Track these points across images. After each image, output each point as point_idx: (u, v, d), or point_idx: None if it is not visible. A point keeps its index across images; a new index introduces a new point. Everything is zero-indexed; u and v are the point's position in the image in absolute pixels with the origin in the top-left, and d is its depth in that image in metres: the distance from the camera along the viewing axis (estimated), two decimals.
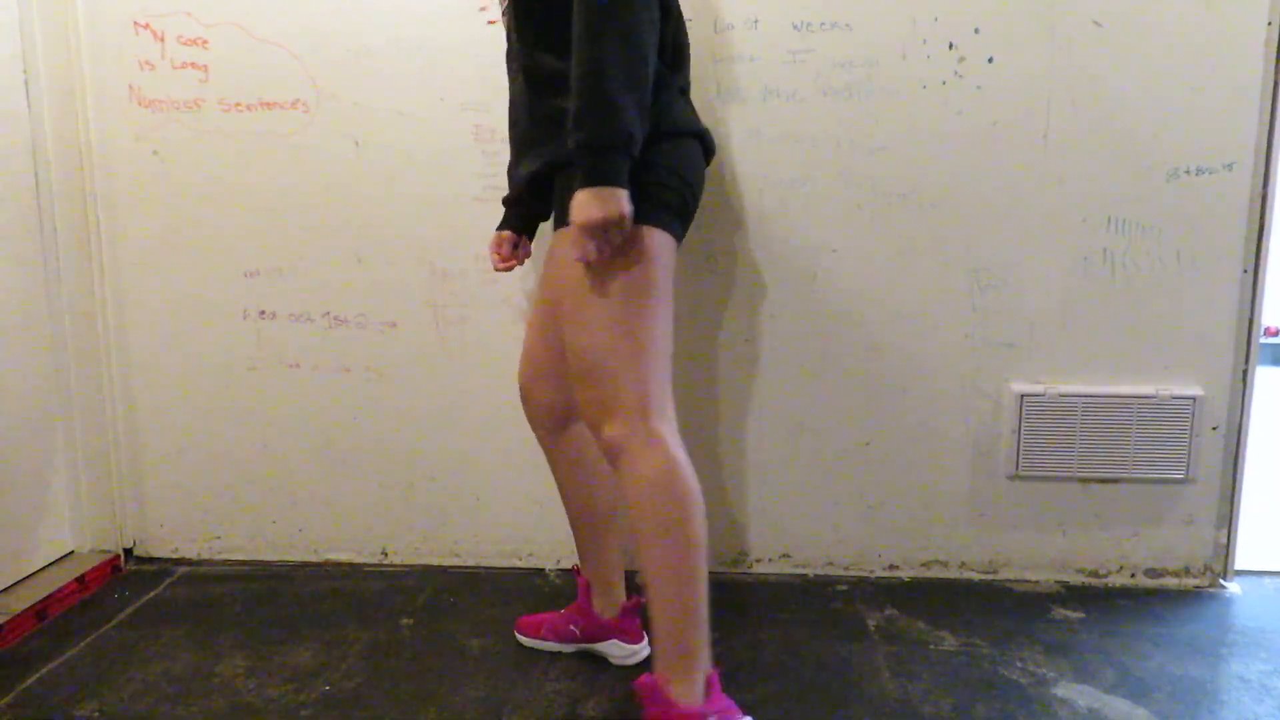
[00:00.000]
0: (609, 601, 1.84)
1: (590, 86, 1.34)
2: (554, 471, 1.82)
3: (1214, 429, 2.15)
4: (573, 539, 1.94)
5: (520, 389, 1.80)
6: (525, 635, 1.92)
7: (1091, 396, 2.13)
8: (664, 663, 1.42)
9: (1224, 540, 2.19)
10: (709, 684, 1.41)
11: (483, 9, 2.08)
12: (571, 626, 1.87)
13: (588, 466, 1.79)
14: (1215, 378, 2.13)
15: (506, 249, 1.80)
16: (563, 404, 1.76)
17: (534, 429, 1.81)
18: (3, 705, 1.73)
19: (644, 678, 1.42)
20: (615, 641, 1.84)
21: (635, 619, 1.84)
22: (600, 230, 1.37)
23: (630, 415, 1.43)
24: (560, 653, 1.90)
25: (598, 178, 1.36)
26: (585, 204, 1.36)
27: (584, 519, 1.81)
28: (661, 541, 1.40)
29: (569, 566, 2.31)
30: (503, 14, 1.63)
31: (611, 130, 1.34)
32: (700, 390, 2.22)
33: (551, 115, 1.51)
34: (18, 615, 2.01)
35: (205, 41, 2.16)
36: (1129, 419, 2.13)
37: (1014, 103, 2.06)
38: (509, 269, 1.81)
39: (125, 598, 2.19)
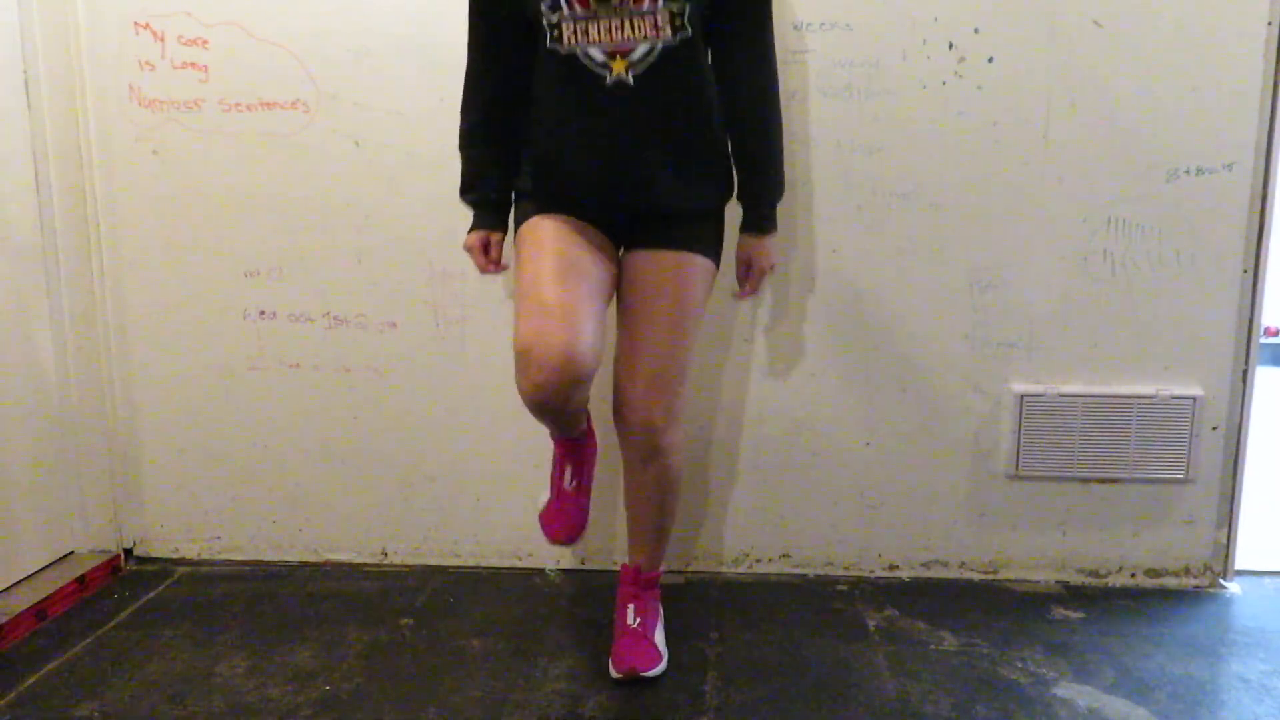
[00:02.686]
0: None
1: (780, 144, 1.76)
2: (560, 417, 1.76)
3: (1214, 429, 2.15)
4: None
5: (559, 359, 1.60)
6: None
7: (1091, 396, 2.13)
8: (654, 557, 1.90)
9: (1224, 540, 2.19)
10: None
11: None
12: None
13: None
14: (1215, 378, 2.13)
15: (498, 251, 1.80)
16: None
17: (556, 402, 1.66)
18: (3, 705, 1.73)
19: (648, 572, 1.89)
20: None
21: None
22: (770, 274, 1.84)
23: (679, 427, 1.79)
24: (560, 652, 1.90)
25: (775, 224, 1.81)
26: (775, 250, 1.82)
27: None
28: (674, 503, 1.85)
29: (567, 567, 2.31)
30: (659, 32, 1.62)
31: (784, 186, 1.81)
32: (700, 390, 2.22)
33: (717, 150, 1.75)
34: (18, 615, 2.01)
35: (205, 41, 2.16)
36: (1129, 419, 2.13)
37: (1014, 103, 2.06)
38: (501, 271, 1.81)
39: (125, 598, 2.19)
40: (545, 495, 1.94)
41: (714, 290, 2.15)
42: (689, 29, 1.60)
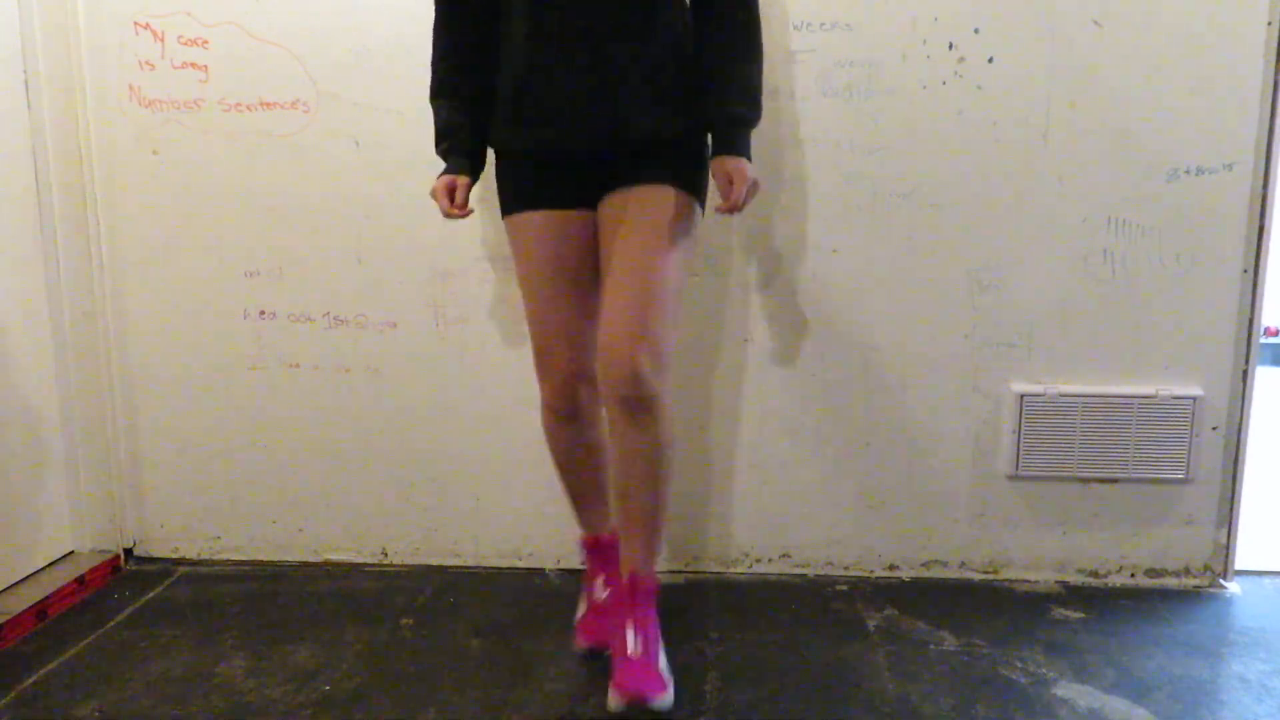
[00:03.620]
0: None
1: (758, 67, 1.68)
2: (585, 449, 1.85)
3: (1214, 429, 2.15)
4: (577, 528, 1.97)
5: (577, 378, 1.77)
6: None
7: (1091, 396, 2.13)
8: (647, 556, 1.75)
9: (1224, 540, 2.19)
10: None
11: None
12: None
13: (601, 424, 1.83)
14: (1215, 378, 2.13)
15: (464, 195, 1.74)
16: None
17: (577, 418, 1.81)
18: (3, 705, 1.73)
19: (644, 580, 1.74)
20: None
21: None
22: (753, 193, 1.66)
23: (668, 378, 1.66)
24: (561, 652, 1.90)
25: (748, 151, 1.68)
26: (748, 169, 1.65)
27: (605, 474, 1.85)
28: (667, 482, 1.71)
29: (567, 567, 2.31)
30: None
31: (760, 113, 1.70)
32: (700, 390, 2.22)
33: (687, 78, 1.69)
34: (18, 615, 2.01)
35: (205, 41, 2.16)
36: (1129, 419, 2.13)
37: (1014, 103, 2.06)
38: (465, 216, 1.75)
39: (125, 598, 2.19)
40: (579, 609, 1.95)
41: (713, 290, 2.16)
42: None
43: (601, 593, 1.89)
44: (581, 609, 1.95)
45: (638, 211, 1.68)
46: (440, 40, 1.77)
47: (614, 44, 1.62)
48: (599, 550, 1.92)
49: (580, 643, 1.88)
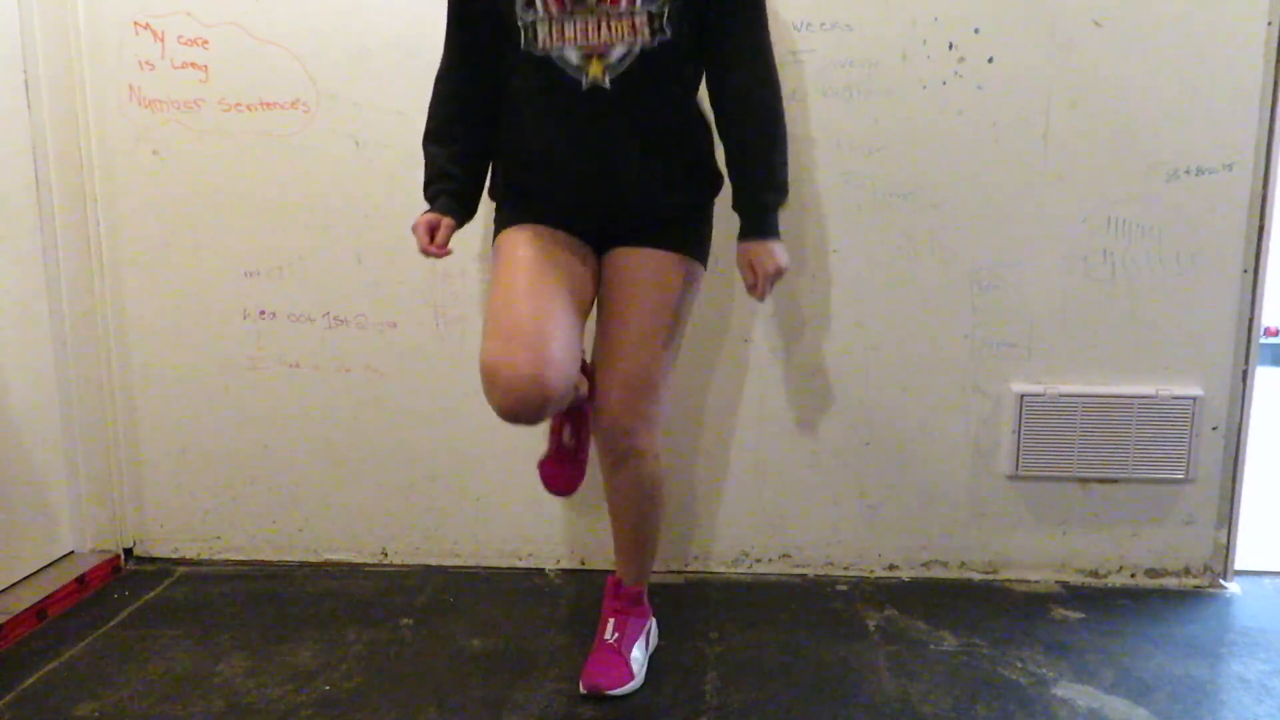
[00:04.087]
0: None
1: (784, 147, 1.68)
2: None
3: (1214, 429, 2.15)
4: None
5: (527, 381, 1.55)
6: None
7: (1091, 396, 2.13)
8: (639, 573, 1.86)
9: (1224, 540, 2.19)
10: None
11: None
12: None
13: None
14: (1215, 378, 2.13)
15: (445, 236, 1.68)
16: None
17: (506, 412, 1.60)
18: (3, 705, 1.73)
19: (630, 588, 1.85)
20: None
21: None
22: (779, 277, 1.69)
23: (656, 433, 1.72)
24: (561, 652, 1.90)
25: (776, 230, 1.69)
26: (782, 253, 1.68)
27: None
28: (658, 509, 1.80)
29: (567, 567, 2.31)
30: (638, 38, 1.59)
31: (787, 194, 1.71)
32: (700, 390, 2.22)
33: (701, 152, 1.73)
34: (18, 615, 2.01)
35: (205, 41, 2.16)
36: (1129, 419, 2.13)
37: (1014, 103, 2.06)
38: (442, 256, 1.67)
39: (125, 598, 2.19)
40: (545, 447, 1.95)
41: (713, 290, 2.16)
42: (667, 31, 1.56)
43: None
44: (546, 448, 1.93)
45: (647, 281, 1.70)
46: (443, 86, 1.74)
47: (621, 121, 1.62)
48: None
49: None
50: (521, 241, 1.69)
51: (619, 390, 1.67)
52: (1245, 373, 2.12)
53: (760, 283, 1.68)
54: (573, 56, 1.58)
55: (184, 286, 2.27)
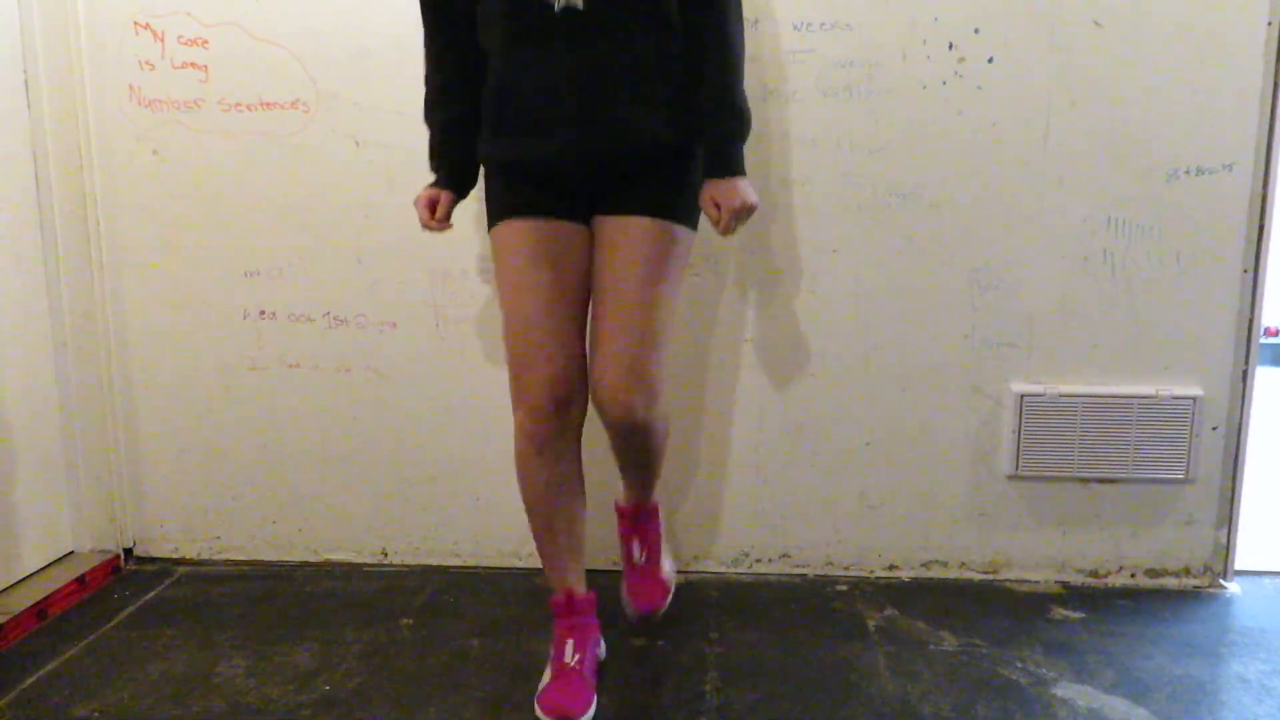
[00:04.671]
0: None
1: (740, 79, 1.61)
2: (559, 492, 1.71)
3: (1214, 429, 2.15)
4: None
5: (557, 398, 1.64)
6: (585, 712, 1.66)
7: (1091, 396, 2.13)
8: (649, 492, 1.88)
9: (1224, 540, 2.19)
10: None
11: None
12: (595, 649, 1.79)
13: (580, 470, 1.76)
14: (1215, 378, 2.13)
15: (445, 210, 1.75)
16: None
17: (551, 448, 1.67)
18: (3, 705, 1.73)
19: (645, 505, 1.89)
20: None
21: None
22: (745, 216, 1.63)
23: (660, 398, 1.66)
24: None
25: (743, 167, 1.63)
26: (748, 190, 1.61)
27: (582, 528, 1.78)
28: (663, 450, 1.79)
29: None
30: None
31: (747, 125, 1.64)
32: (700, 390, 2.22)
33: (680, 85, 1.64)
34: (18, 615, 2.01)
35: (205, 41, 2.16)
36: (1129, 419, 2.13)
37: (1014, 103, 2.06)
38: (443, 229, 1.76)
39: (125, 598, 2.19)
40: (545, 678, 1.72)
41: (713, 289, 2.16)
42: None
43: (573, 658, 1.69)
44: (546, 677, 1.71)
45: (632, 245, 1.64)
46: (428, 59, 1.76)
47: (599, 47, 1.56)
48: (572, 612, 1.74)
49: (540, 713, 1.64)
50: (515, 249, 1.66)
51: (621, 373, 1.62)
52: (1245, 373, 2.12)
53: (725, 219, 1.61)
54: None
55: (184, 286, 2.27)
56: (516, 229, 1.68)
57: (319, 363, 2.28)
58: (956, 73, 2.05)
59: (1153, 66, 2.02)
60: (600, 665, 1.80)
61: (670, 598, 1.89)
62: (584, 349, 1.70)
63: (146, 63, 2.18)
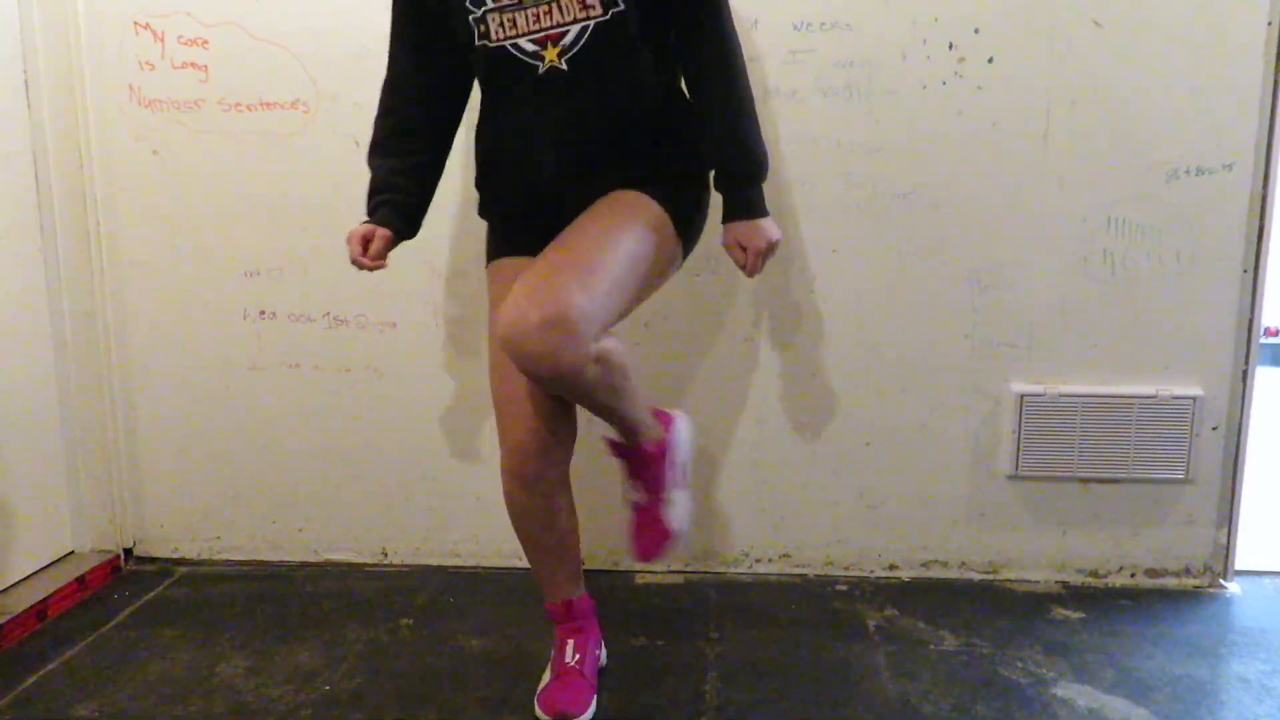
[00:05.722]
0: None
1: (753, 120, 1.61)
2: (549, 519, 1.68)
3: (1214, 429, 2.15)
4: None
5: (539, 438, 1.60)
6: (584, 712, 1.67)
7: (1091, 396, 2.13)
8: (637, 432, 1.66)
9: (1224, 540, 2.19)
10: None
11: None
12: (596, 652, 1.78)
13: (569, 492, 1.71)
14: (1215, 378, 2.13)
15: (380, 248, 1.66)
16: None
17: (538, 485, 1.63)
18: (3, 705, 1.73)
19: (642, 447, 1.68)
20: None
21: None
22: (770, 253, 1.65)
23: (578, 331, 1.40)
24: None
25: (764, 208, 1.64)
26: (771, 228, 1.63)
27: (575, 543, 1.75)
28: (620, 385, 1.54)
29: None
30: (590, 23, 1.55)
31: (766, 164, 1.64)
32: (700, 390, 2.22)
33: (666, 128, 1.64)
34: (18, 615, 2.01)
35: (205, 41, 2.16)
36: (1129, 419, 2.13)
37: (1014, 103, 2.06)
38: (378, 268, 1.67)
39: (125, 598, 2.19)
40: (544, 679, 1.73)
41: (713, 289, 2.16)
42: (621, 3, 1.51)
43: (573, 658, 1.71)
44: (546, 677, 1.73)
45: (593, 211, 1.60)
46: (388, 98, 1.71)
47: (579, 105, 1.58)
48: (570, 617, 1.74)
49: (540, 712, 1.66)
50: (504, 289, 1.57)
51: (513, 300, 1.43)
52: (1245, 373, 2.12)
53: (751, 261, 1.63)
54: (527, 45, 1.55)
55: (184, 286, 2.27)
56: (509, 266, 1.67)
57: (319, 363, 2.28)
58: (956, 73, 2.05)
59: (1153, 66, 2.02)
60: (601, 670, 1.79)
61: (672, 545, 1.71)
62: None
63: (146, 63, 2.18)
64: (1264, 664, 1.85)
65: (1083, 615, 2.06)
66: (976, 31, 2.04)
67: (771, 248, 1.63)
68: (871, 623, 2.03)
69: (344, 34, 2.13)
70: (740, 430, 2.23)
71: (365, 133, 2.14)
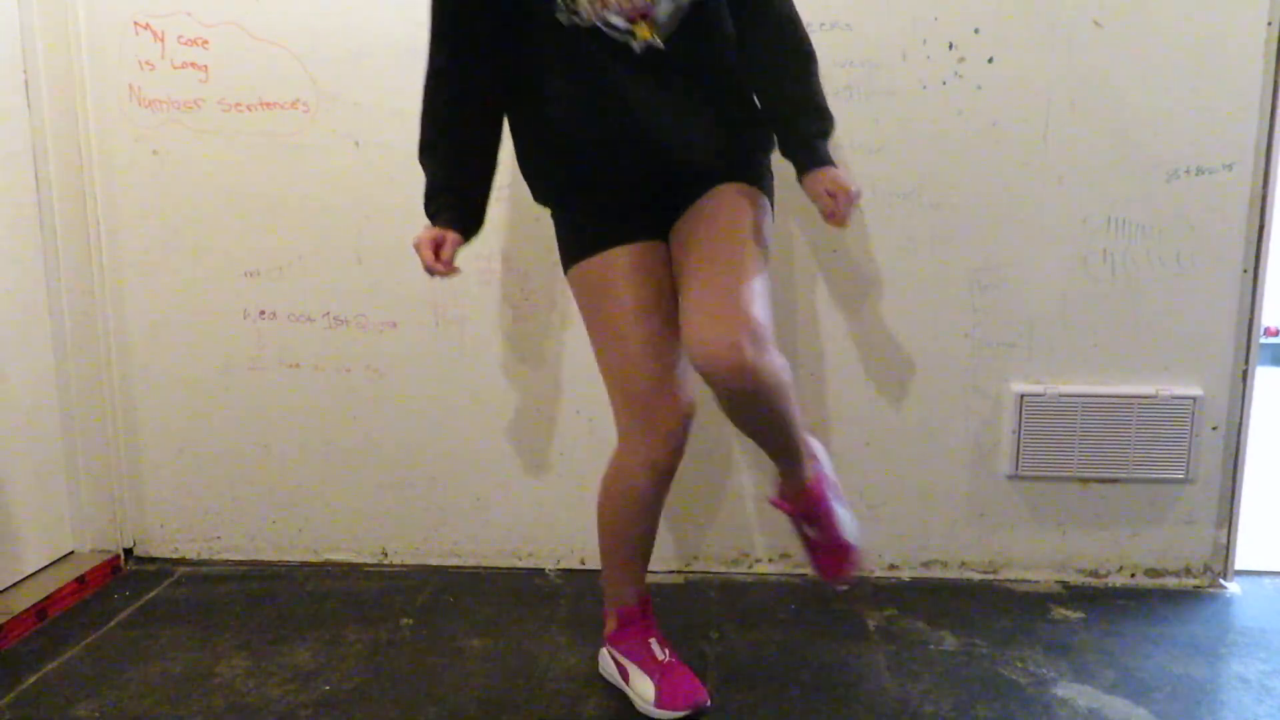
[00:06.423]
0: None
1: (818, 80, 1.61)
2: (656, 512, 1.69)
3: (1214, 429, 2.15)
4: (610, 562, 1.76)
5: (680, 435, 1.63)
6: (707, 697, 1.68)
7: (1091, 396, 2.13)
8: (802, 470, 1.72)
9: (1224, 540, 2.19)
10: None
11: None
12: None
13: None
14: (1215, 378, 2.13)
15: (451, 252, 1.61)
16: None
17: (668, 480, 1.65)
18: (3, 705, 1.73)
19: (810, 489, 1.73)
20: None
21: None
22: (855, 201, 1.57)
23: (772, 349, 1.53)
24: (561, 652, 1.90)
25: (830, 159, 1.59)
26: (844, 177, 1.56)
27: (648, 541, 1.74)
28: (789, 411, 1.62)
29: (567, 567, 2.31)
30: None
31: (832, 122, 1.62)
32: (699, 390, 2.21)
33: (748, 101, 1.64)
34: (18, 615, 2.01)
35: (205, 41, 2.16)
36: (1129, 419, 2.13)
37: (1014, 103, 2.05)
38: (453, 274, 1.62)
39: (125, 598, 2.19)
40: (646, 685, 1.68)
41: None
42: None
43: (663, 653, 1.71)
44: (646, 683, 1.68)
45: (709, 212, 1.61)
46: (435, 92, 1.64)
47: (679, 93, 1.56)
48: (646, 614, 1.75)
49: (665, 712, 1.64)
50: (602, 290, 1.63)
51: (710, 315, 1.51)
52: (1245, 373, 2.12)
53: (843, 206, 1.54)
54: (619, 22, 1.50)
55: (184, 287, 2.27)
56: (614, 263, 1.63)
57: (319, 363, 2.28)
58: (956, 73, 2.05)
59: (1153, 66, 2.02)
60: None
61: (858, 559, 1.76)
62: (685, 373, 1.65)
63: (146, 63, 2.18)
64: (1264, 664, 1.85)
65: (1083, 615, 2.06)
66: (976, 31, 2.04)
67: (855, 195, 1.54)
68: (871, 623, 2.03)
69: (344, 34, 2.13)
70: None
71: (365, 133, 2.17)
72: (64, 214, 2.23)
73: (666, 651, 1.71)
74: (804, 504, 1.74)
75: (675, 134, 1.57)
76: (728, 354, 1.47)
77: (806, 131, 1.60)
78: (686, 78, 1.56)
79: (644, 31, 1.51)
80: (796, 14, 1.64)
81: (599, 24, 1.51)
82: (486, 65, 1.61)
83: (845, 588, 1.76)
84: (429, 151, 1.67)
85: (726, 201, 1.62)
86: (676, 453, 1.65)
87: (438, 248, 1.60)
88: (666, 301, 1.64)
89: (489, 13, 1.56)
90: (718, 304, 1.51)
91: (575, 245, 1.68)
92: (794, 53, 1.62)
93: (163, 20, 2.16)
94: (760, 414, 1.59)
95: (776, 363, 1.53)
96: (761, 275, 1.56)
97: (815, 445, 1.80)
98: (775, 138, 1.68)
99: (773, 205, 1.71)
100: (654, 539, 1.74)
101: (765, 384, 1.51)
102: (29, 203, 2.19)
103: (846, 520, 1.76)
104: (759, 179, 1.68)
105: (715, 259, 1.56)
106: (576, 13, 1.51)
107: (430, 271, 1.61)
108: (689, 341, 1.53)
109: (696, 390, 1.65)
